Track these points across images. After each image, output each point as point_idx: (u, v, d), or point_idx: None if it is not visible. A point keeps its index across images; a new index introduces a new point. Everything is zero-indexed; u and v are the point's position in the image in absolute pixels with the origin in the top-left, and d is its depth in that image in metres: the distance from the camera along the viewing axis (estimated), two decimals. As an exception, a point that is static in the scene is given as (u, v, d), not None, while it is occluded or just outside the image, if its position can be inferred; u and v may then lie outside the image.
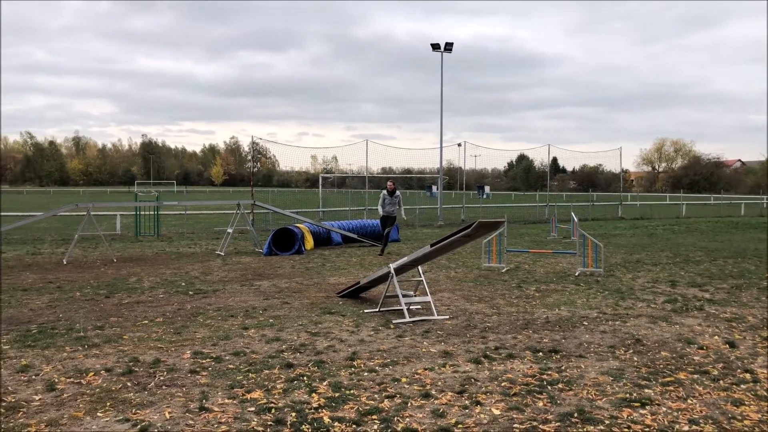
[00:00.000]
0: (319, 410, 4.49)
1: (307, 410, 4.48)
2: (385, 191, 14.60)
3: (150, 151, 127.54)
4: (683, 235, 19.72)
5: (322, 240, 15.73)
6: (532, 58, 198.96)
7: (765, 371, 5.42)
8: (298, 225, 15.25)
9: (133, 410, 4.49)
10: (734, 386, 5.03)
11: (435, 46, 25.86)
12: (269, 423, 4.26)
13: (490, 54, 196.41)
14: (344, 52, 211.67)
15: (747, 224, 24.43)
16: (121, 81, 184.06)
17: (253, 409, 4.52)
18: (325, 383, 5.09)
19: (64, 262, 12.51)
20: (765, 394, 4.85)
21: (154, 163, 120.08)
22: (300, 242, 14.28)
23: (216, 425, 4.23)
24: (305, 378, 5.22)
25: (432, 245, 7.71)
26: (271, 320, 7.40)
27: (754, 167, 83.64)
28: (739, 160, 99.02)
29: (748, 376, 5.29)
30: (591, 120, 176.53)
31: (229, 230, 15.03)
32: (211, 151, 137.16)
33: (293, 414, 4.41)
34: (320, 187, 27.16)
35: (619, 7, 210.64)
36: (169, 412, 4.44)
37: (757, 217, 29.50)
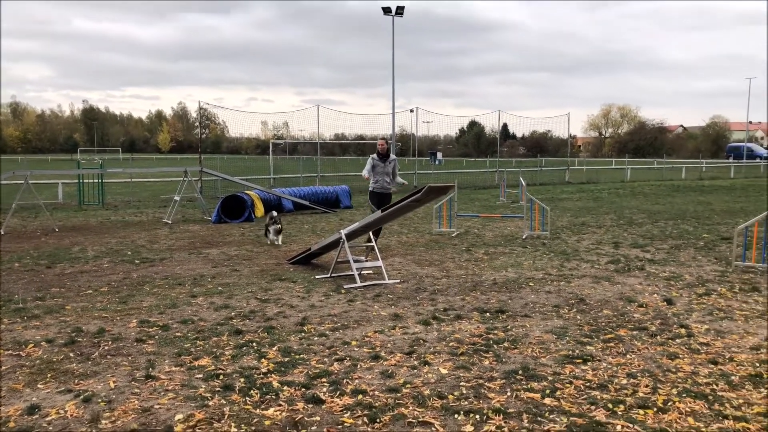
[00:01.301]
0: (268, 375, 4.48)
1: (255, 375, 4.47)
2: (374, 155, 10.11)
3: (92, 117, 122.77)
4: (627, 198, 20.31)
5: (273, 207, 15.52)
6: (483, 24, 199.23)
7: (699, 326, 5.68)
8: (247, 192, 15.03)
9: (76, 381, 4.39)
10: (670, 341, 5.25)
11: (386, 10, 25.55)
12: (217, 389, 4.23)
13: (440, 18, 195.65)
14: (292, 16, 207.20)
15: (687, 187, 25.33)
16: (59, 44, 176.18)
17: (200, 376, 4.48)
18: (274, 349, 5.08)
19: (1, 233, 12.03)
20: (698, 347, 5.08)
21: (97, 130, 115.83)
22: (250, 209, 14.09)
23: (162, 393, 4.17)
24: (254, 344, 5.20)
25: (382, 210, 7.72)
26: (219, 288, 7.32)
27: (695, 132, 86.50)
28: (681, 126, 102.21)
29: (683, 331, 5.53)
30: (541, 86, 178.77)
31: (177, 198, 14.70)
32: (158, 117, 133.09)
33: (242, 380, 4.39)
34: (271, 153, 26.76)
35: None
36: (114, 382, 4.36)
37: (697, 181, 30.60)
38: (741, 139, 70.90)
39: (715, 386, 4.25)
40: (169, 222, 13.77)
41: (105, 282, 7.64)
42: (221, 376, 4.46)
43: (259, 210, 14.72)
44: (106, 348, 5.11)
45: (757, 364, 4.67)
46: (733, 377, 4.41)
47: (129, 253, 9.81)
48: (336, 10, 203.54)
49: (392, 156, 10.16)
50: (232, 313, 6.17)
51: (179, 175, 15.53)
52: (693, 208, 16.64)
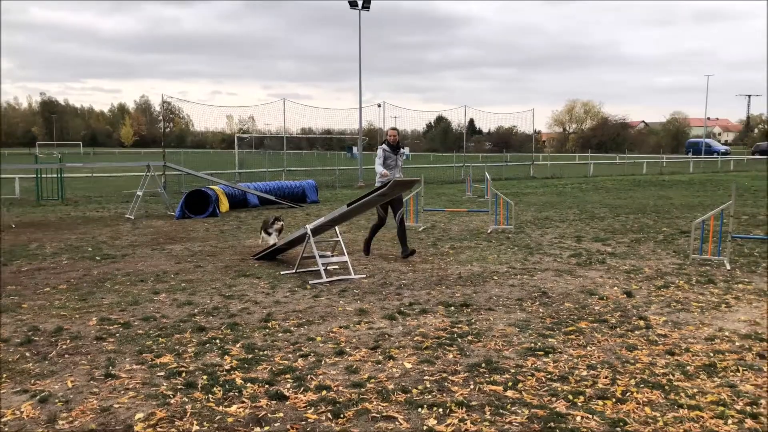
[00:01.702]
0: (232, 372, 4.44)
1: (219, 372, 4.43)
2: (384, 146, 9.04)
3: (51, 110, 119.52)
4: (590, 193, 20.66)
5: (238, 202, 15.40)
6: (448, 18, 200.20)
7: (657, 318, 5.82)
8: (212, 187, 14.84)
9: (33, 381, 4.29)
10: (629, 333, 5.37)
11: (353, 4, 25.42)
12: (179, 387, 4.18)
13: (406, 12, 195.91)
14: (256, 7, 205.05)
15: (648, 182, 25.88)
16: (14, 33, 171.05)
17: (162, 373, 4.41)
18: (238, 345, 5.03)
19: (-44, 229, 11.65)
20: (656, 338, 5.21)
21: (57, 123, 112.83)
22: (214, 204, 13.91)
23: (123, 391, 4.10)
24: (218, 341, 5.14)
25: (348, 205, 7.70)
26: (183, 284, 7.22)
27: (656, 128, 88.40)
28: (643, 122, 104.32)
29: (642, 323, 5.66)
30: (506, 80, 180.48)
31: (139, 193, 14.44)
32: (121, 110, 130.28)
33: (204, 377, 4.34)
34: (236, 147, 26.43)
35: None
36: (72, 381, 4.27)
37: (657, 175, 31.30)
38: (700, 134, 72.76)
39: (671, 376, 4.36)
40: (132, 217, 13.52)
41: (64, 279, 7.47)
42: (183, 374, 4.41)
43: (224, 205, 14.55)
44: (64, 347, 4.99)
45: (711, 354, 4.81)
46: (688, 367, 4.53)
47: (89, 249, 9.60)
48: (301, 3, 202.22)
49: (404, 149, 9.41)
50: (195, 310, 6.10)
51: (142, 169, 15.24)
52: (653, 202, 17.01)
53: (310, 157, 42.84)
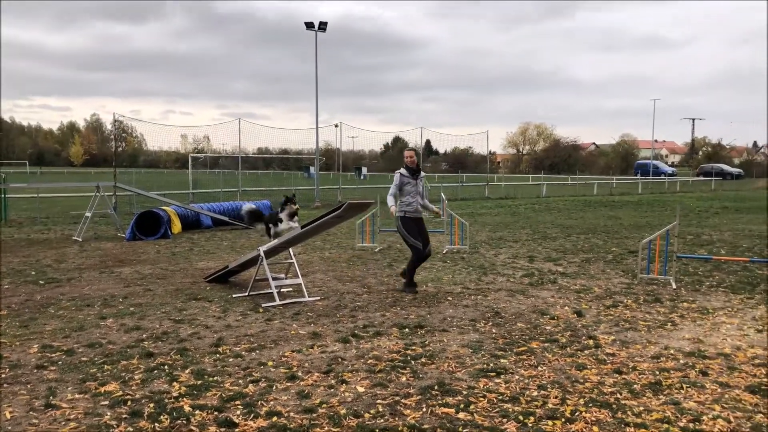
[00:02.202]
0: (180, 399, 4.33)
1: (166, 400, 4.31)
2: (402, 170, 8.03)
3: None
4: (543, 213, 21.07)
5: (191, 223, 15.14)
6: (402, 40, 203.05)
7: (606, 337, 5.94)
8: (164, 208, 14.56)
9: (-33, 413, 4.08)
10: (579, 352, 5.47)
11: (309, 25, 25.55)
12: (124, 416, 4.04)
13: (361, 34, 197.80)
14: (209, 27, 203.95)
15: (598, 202, 26.55)
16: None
17: (106, 402, 4.27)
18: (187, 371, 4.91)
19: None
20: (604, 357, 5.31)
21: (2, 141, 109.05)
22: (166, 226, 13.64)
23: (63, 422, 3.95)
24: (166, 367, 5.01)
25: (303, 227, 7.65)
26: (131, 308, 7.02)
27: (607, 150, 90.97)
28: (594, 143, 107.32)
29: (591, 342, 5.77)
30: (461, 103, 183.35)
31: (88, 214, 14.04)
32: (70, 129, 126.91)
33: (151, 405, 4.22)
34: (190, 167, 26.08)
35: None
36: (10, 412, 4.09)
37: (608, 196, 32.14)
38: (648, 156, 75.20)
39: (618, 395, 4.44)
40: (80, 239, 13.13)
41: (4, 305, 7.18)
42: (129, 402, 4.27)
43: (176, 226, 14.27)
44: (3, 376, 4.79)
45: (657, 372, 4.92)
46: (635, 385, 4.63)
47: (33, 273, 9.26)
48: (255, 23, 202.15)
49: (422, 173, 8.20)
50: (144, 335, 5.93)
51: (92, 189, 14.84)
52: (603, 222, 17.45)
53: (266, 177, 42.51)
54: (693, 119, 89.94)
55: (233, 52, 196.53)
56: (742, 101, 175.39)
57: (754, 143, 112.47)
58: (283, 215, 8.22)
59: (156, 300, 7.48)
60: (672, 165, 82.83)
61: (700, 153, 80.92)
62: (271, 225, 8.38)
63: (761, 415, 4.10)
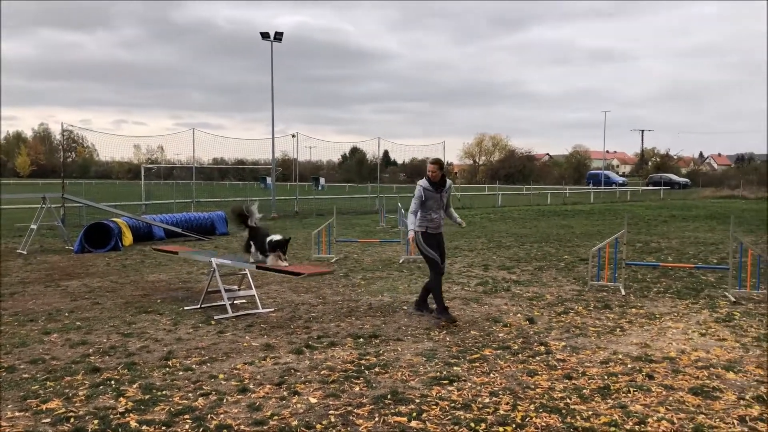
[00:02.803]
0: (126, 415, 4.21)
1: (111, 416, 4.19)
2: (424, 181, 7.16)
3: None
4: (498, 222, 21.36)
5: (143, 235, 14.80)
6: (360, 52, 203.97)
7: (557, 343, 6.04)
8: (114, 219, 14.20)
9: None
10: (530, 358, 5.54)
11: (264, 35, 25.42)
12: (66, 434, 3.91)
13: (318, 45, 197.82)
14: (161, 36, 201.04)
15: (552, 212, 27.08)
16: None
17: (48, 420, 4.12)
18: (134, 386, 4.79)
19: None
20: (555, 363, 5.40)
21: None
22: (116, 238, 13.30)
23: (1, 442, 3.80)
24: (113, 382, 4.87)
25: (258, 267, 7.29)
26: (78, 323, 6.81)
27: (560, 160, 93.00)
28: (548, 154, 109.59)
29: (542, 348, 5.85)
30: (419, 114, 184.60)
31: (33, 226, 13.60)
32: (16, 138, 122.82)
33: (95, 421, 4.09)
34: (143, 178, 25.53)
35: (434, 4, 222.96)
36: (-56, 433, 3.91)
37: (561, 205, 32.80)
38: (599, 167, 77.13)
39: (568, 400, 4.52)
40: (24, 252, 12.69)
41: (-59, 321, 6.88)
42: (72, 419, 4.13)
43: (127, 238, 13.94)
44: (-63, 395, 4.57)
45: (606, 377, 5.03)
46: (584, 390, 4.71)
47: (-26, 287, 8.91)
48: (209, 32, 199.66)
49: (449, 182, 7.30)
50: (90, 350, 5.76)
51: (38, 201, 14.39)
52: (556, 231, 17.79)
53: (221, 187, 41.96)
54: (642, 130, 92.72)
55: (187, 63, 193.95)
56: (688, 113, 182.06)
57: (700, 153, 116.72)
58: (271, 256, 7.26)
59: (104, 314, 7.28)
60: (623, 175, 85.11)
61: (650, 163, 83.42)
62: (259, 252, 7.52)
63: (703, 416, 4.23)
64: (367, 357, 5.56)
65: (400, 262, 11.48)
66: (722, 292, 8.52)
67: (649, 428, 4.01)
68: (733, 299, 8.02)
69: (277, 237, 7.28)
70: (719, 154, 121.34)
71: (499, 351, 5.75)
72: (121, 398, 4.52)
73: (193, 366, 5.31)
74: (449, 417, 4.19)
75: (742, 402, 4.48)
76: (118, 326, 6.68)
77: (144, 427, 4.01)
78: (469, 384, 4.85)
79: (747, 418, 4.19)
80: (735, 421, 4.13)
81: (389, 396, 4.57)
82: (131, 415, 4.21)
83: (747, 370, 5.19)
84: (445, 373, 5.10)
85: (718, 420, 4.15)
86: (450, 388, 4.75)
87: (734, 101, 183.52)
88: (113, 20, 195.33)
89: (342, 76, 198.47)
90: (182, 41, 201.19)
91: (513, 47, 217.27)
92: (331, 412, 4.28)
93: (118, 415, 4.20)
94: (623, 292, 8.48)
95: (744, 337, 6.26)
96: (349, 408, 4.35)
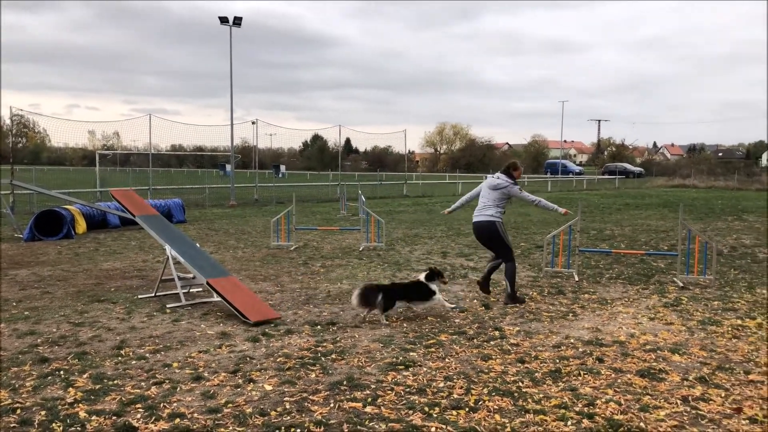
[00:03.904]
0: (75, 405, 4.12)
1: (60, 406, 4.10)
2: (496, 174, 7.86)
3: None
4: (458, 211, 21.51)
5: (98, 223, 14.46)
6: (316, 38, 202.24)
7: (511, 328, 6.15)
8: (67, 207, 13.82)
9: None
10: (485, 343, 5.63)
11: (223, 20, 24.95)
12: (12, 425, 3.81)
13: (274, 31, 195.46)
14: (111, 17, 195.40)
15: (511, 200, 27.46)
16: None
17: (-7, 412, 4.01)
18: (85, 376, 4.69)
19: None
20: (509, 348, 5.50)
21: None
22: (69, 225, 12.96)
23: (-57, 435, 3.68)
24: (62, 372, 4.76)
25: (208, 283, 6.86)
26: (26, 312, 6.63)
27: (519, 150, 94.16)
28: (507, 143, 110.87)
29: (497, 333, 5.95)
30: (378, 102, 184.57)
31: (-19, 214, 13.13)
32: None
33: (43, 412, 4.00)
34: (97, 165, 24.88)
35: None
36: None
37: (520, 194, 33.29)
38: (557, 156, 78.41)
39: (521, 383, 4.61)
40: (-29, 241, 12.25)
41: None
42: (18, 410, 4.03)
43: (81, 226, 13.59)
44: None
45: (557, 361, 5.14)
46: (536, 374, 4.82)
47: None
48: (162, 14, 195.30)
49: (504, 180, 7.66)
50: (39, 340, 5.61)
51: (-15, 188, 13.93)
52: (513, 219, 18.04)
53: (179, 174, 41.23)
54: (599, 120, 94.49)
55: (139, 46, 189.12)
56: (643, 104, 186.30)
57: (654, 143, 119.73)
58: (434, 287, 6.71)
59: (55, 303, 7.10)
60: (579, 164, 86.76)
61: (606, 153, 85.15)
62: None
63: (649, 396, 4.37)
64: (324, 344, 5.56)
65: (360, 249, 11.50)
66: (671, 277, 8.79)
67: (598, 410, 4.12)
68: (681, 284, 8.29)
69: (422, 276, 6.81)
70: (672, 144, 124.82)
71: (455, 336, 5.83)
72: (71, 388, 4.42)
73: (147, 355, 5.23)
74: (404, 402, 4.23)
75: (685, 383, 4.64)
76: (68, 315, 6.52)
77: (94, 417, 3.93)
78: (425, 369, 4.90)
79: (690, 398, 4.35)
80: (678, 402, 4.28)
81: (345, 382, 4.58)
82: (80, 405, 4.13)
83: (692, 353, 5.38)
84: (401, 358, 5.15)
85: (662, 400, 4.30)
86: (406, 374, 4.79)
87: (683, 93, 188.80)
88: (61, 1, 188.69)
89: (298, 62, 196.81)
90: (130, 24, 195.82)
91: (465, 36, 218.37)
92: (286, 399, 4.27)
93: (66, 406, 4.11)
94: (576, 278, 8.67)
95: (690, 320, 6.48)
96: (305, 395, 4.35)
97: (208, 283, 6.89)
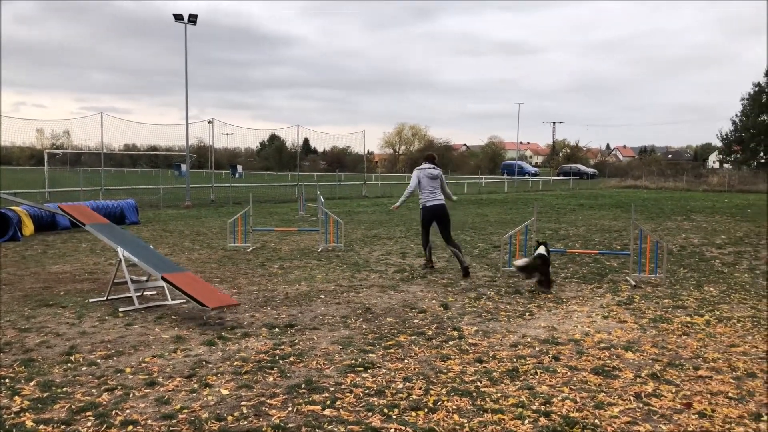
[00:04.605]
0: (21, 414, 3.97)
1: (5, 416, 3.94)
2: (428, 164, 9.56)
3: None
4: (416, 211, 21.44)
5: (46, 224, 13.99)
6: (269, 36, 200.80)
7: (469, 328, 6.19)
8: (12, 208, 13.33)
9: None
10: (444, 343, 5.65)
11: (178, 17, 24.48)
12: (-47, 437, 3.64)
13: (225, 29, 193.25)
14: (56, 12, 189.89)
15: (468, 201, 27.72)
16: None
17: (-68, 423, 3.82)
18: (32, 383, 4.52)
19: None
20: (467, 347, 5.53)
21: None
22: (15, 227, 12.50)
23: None
24: (7, 380, 4.58)
25: (163, 278, 6.81)
26: (-31, 318, 6.36)
27: (476, 151, 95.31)
28: (465, 145, 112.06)
29: (455, 333, 5.99)
30: (335, 101, 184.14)
31: None
32: None
33: (-13, 423, 3.83)
34: (46, 164, 24.11)
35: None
36: None
37: (477, 195, 33.66)
38: (514, 157, 79.62)
39: (479, 383, 4.64)
40: None
41: None
42: (-40, 422, 3.85)
43: (28, 228, 13.13)
44: None
45: (515, 360, 5.20)
46: (494, 373, 4.86)
47: None
48: (110, 10, 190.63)
49: (438, 170, 9.69)
50: (-18, 347, 5.39)
51: (-76, 188, 13.33)
52: (472, 219, 18.23)
53: (133, 175, 40.31)
54: (554, 122, 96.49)
55: (85, 42, 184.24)
56: (596, 106, 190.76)
57: (607, 145, 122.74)
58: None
59: (-1, 308, 6.83)
60: (535, 165, 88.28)
61: (561, 154, 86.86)
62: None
63: (603, 393, 4.45)
64: (282, 347, 5.50)
65: (319, 250, 11.42)
66: (624, 276, 9.01)
67: (554, 408, 4.18)
68: (633, 283, 8.50)
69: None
70: (624, 146, 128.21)
71: (414, 337, 5.84)
72: (17, 397, 4.26)
73: (98, 360, 5.07)
74: (363, 404, 4.21)
75: (638, 379, 4.75)
76: (14, 321, 6.28)
77: (41, 427, 3.79)
78: (384, 370, 4.89)
79: (642, 394, 4.45)
80: (632, 398, 4.38)
81: (303, 385, 4.54)
82: (27, 414, 3.98)
83: (644, 350, 5.51)
84: (360, 360, 5.12)
85: (616, 397, 4.39)
86: (365, 375, 4.77)
87: (636, 95, 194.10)
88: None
89: (251, 61, 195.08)
90: (77, 19, 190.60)
91: (420, 37, 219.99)
92: (243, 403, 4.20)
93: (12, 415, 3.95)
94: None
95: (642, 318, 6.65)
96: (262, 399, 4.29)
97: (163, 278, 6.75)
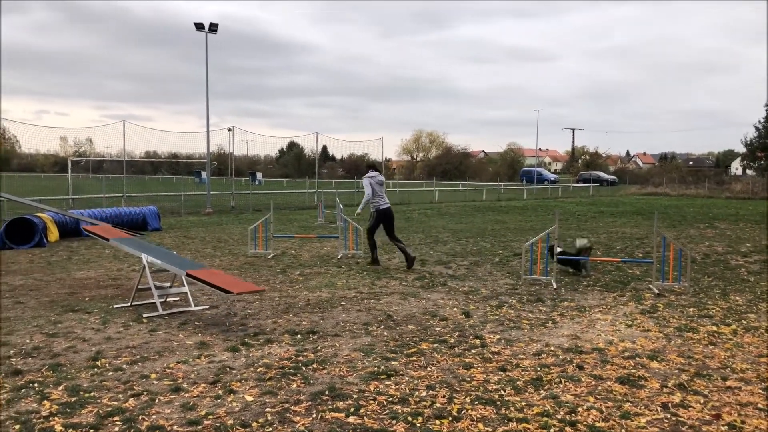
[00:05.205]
0: (50, 418, 4.03)
1: (35, 420, 4.00)
2: (374, 172, 11.16)
3: None
4: (435, 218, 21.61)
5: (70, 231, 14.18)
6: (284, 44, 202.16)
7: (492, 336, 6.16)
8: (38, 214, 13.55)
9: None
10: (466, 351, 5.63)
11: (199, 26, 24.76)
12: (-15, 441, 3.71)
13: (239, 36, 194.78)
14: (76, 21, 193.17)
15: (487, 208, 27.62)
16: None
17: (-36, 427, 3.89)
18: (60, 388, 4.58)
19: None
20: (490, 356, 5.51)
21: None
22: (41, 233, 12.70)
23: None
24: (36, 385, 4.65)
25: (188, 274, 6.97)
26: (-3, 323, 6.47)
27: (495, 158, 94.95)
28: (483, 151, 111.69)
29: (478, 341, 5.96)
30: (350, 109, 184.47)
31: (-51, 221, 12.80)
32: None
33: (17, 426, 3.90)
34: (69, 172, 24.47)
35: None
36: None
37: (495, 201, 33.52)
38: (533, 164, 79.20)
39: (503, 392, 4.62)
40: (-62, 249, 11.94)
41: None
42: (-9, 425, 3.92)
43: (53, 234, 13.33)
44: None
45: (538, 368, 5.17)
46: (518, 382, 4.83)
47: None
48: (127, 18, 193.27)
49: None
50: (11, 352, 5.48)
51: (-47, 195, 13.57)
52: (491, 226, 18.16)
53: (154, 182, 40.75)
54: (573, 129, 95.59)
55: (103, 51, 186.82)
56: (615, 113, 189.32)
57: (627, 152, 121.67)
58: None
59: (27, 313, 6.94)
60: (554, 172, 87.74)
61: (580, 161, 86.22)
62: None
63: (629, 403, 4.41)
64: (305, 353, 5.51)
65: (339, 257, 11.45)
66: (647, 284, 8.91)
67: (580, 417, 4.15)
68: (656, 291, 8.40)
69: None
70: (644, 153, 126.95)
71: (435, 345, 5.82)
72: (45, 401, 4.32)
73: (124, 366, 5.13)
74: (387, 411, 4.21)
75: (665, 389, 4.70)
76: (42, 326, 6.38)
77: (70, 431, 3.84)
78: (407, 378, 4.89)
79: (669, 404, 4.39)
80: (658, 408, 4.33)
81: (327, 392, 4.55)
82: (56, 418, 4.03)
83: (669, 359, 5.45)
84: (382, 367, 5.12)
85: (643, 407, 4.34)
86: (388, 383, 4.77)
87: (651, 101, 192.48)
88: (23, 1, 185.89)
89: (266, 68, 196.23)
90: (94, 28, 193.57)
91: (434, 43, 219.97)
92: (267, 409, 4.22)
93: (41, 419, 4.01)
94: (555, 286, 8.74)
95: (666, 327, 6.57)
96: (286, 405, 4.30)
97: (188, 274, 6.86)
